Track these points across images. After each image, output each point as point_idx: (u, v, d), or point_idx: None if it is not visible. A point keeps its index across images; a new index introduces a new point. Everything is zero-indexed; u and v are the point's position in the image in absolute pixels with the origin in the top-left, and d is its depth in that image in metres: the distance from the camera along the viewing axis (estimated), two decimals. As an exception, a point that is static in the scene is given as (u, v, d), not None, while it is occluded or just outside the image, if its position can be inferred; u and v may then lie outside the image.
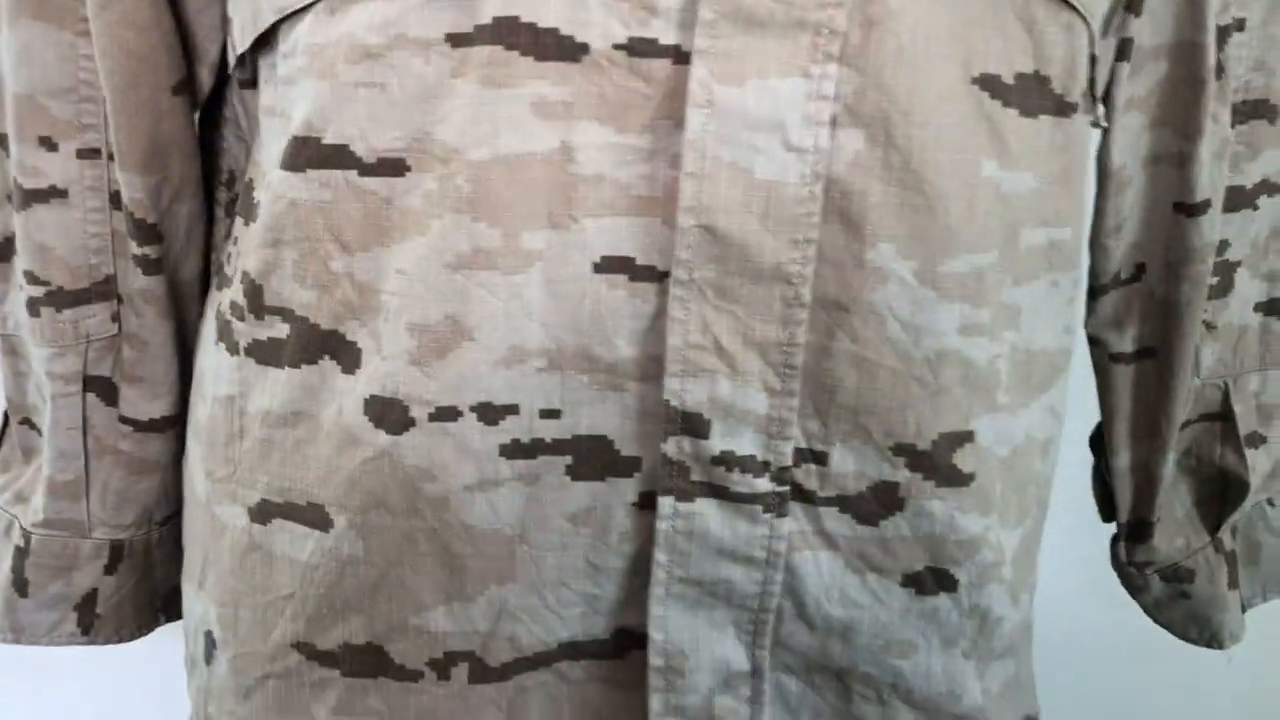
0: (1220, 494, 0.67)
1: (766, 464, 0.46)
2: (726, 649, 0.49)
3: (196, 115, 0.57)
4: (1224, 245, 0.62)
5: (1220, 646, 0.70)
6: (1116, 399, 0.64)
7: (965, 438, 0.48)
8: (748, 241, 0.43)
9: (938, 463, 0.47)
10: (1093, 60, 0.49)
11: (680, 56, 0.42)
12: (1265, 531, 0.70)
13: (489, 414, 0.46)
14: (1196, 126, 0.57)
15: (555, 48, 0.42)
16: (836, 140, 0.43)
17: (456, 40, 0.42)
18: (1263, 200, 0.62)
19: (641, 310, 0.45)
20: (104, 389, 0.58)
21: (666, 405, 0.45)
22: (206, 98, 0.56)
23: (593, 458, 0.47)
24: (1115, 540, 0.69)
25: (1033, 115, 0.46)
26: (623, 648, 0.50)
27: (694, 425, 0.46)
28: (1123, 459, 0.65)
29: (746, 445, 0.46)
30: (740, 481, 0.46)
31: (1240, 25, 0.59)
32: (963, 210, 0.45)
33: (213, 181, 0.58)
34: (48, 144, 0.55)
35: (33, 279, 0.56)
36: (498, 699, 0.50)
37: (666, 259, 0.44)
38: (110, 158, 0.55)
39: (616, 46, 0.42)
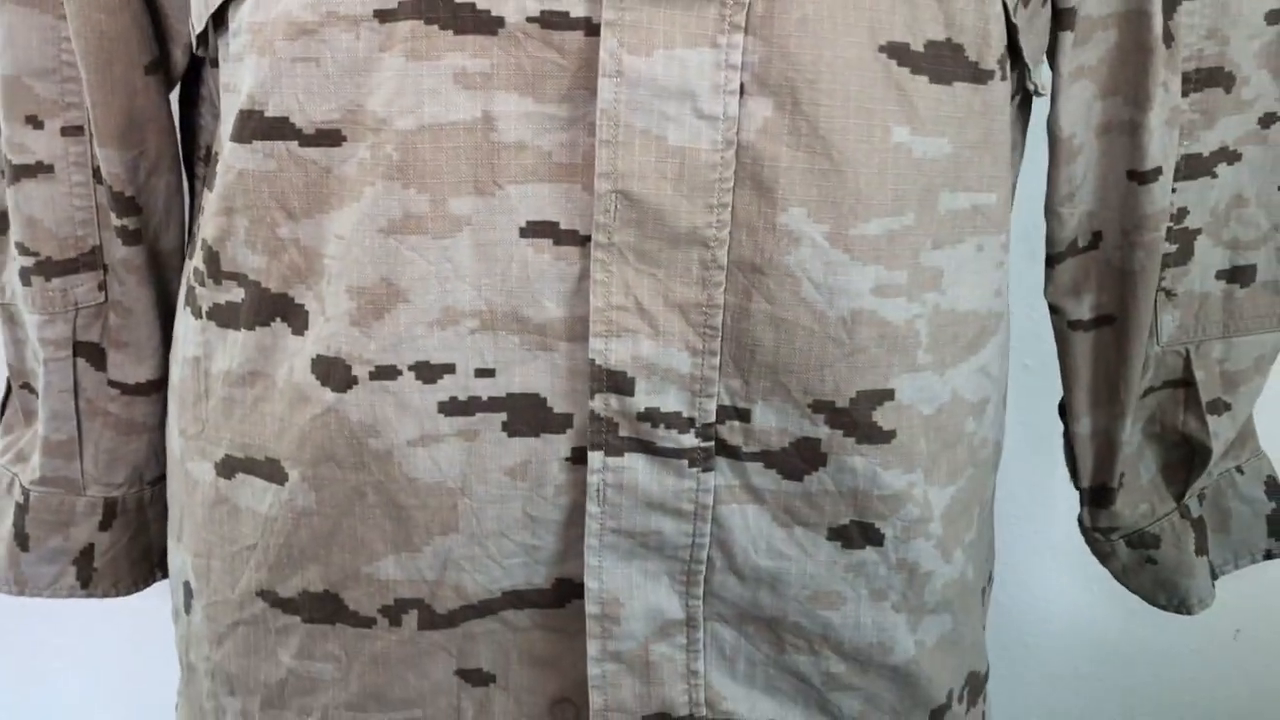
0: (1185, 461, 0.68)
1: (691, 420, 0.48)
2: (660, 598, 0.51)
3: (175, 94, 0.60)
4: (1183, 213, 0.63)
5: (1189, 612, 0.70)
6: (1076, 366, 0.65)
7: (884, 396, 0.49)
8: (663, 206, 0.45)
9: (857, 420, 0.49)
10: (1011, 28, 0.50)
11: (591, 28, 0.44)
12: (1235, 499, 0.70)
13: (426, 373, 0.48)
14: (1146, 95, 0.58)
15: (473, 21, 0.44)
16: (746, 108, 0.45)
17: (383, 16, 0.45)
18: (1221, 168, 0.63)
19: (567, 273, 0.47)
20: (93, 354, 0.62)
21: (592, 364, 0.47)
22: (185, 77, 0.59)
23: (527, 415, 0.49)
24: (1080, 506, 0.70)
25: (946, 82, 0.47)
26: (563, 597, 0.52)
27: (619, 383, 0.48)
28: (1083, 425, 0.66)
29: (671, 402, 0.48)
30: (666, 437, 0.48)
31: None
32: (872, 175, 0.46)
33: (193, 157, 0.61)
34: (34, 122, 0.58)
35: (23, 250, 0.60)
36: (447, 645, 0.53)
37: (589, 223, 0.46)
38: (92, 134, 0.58)
39: (530, 19, 0.44)
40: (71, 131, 0.59)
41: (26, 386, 0.65)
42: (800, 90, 0.45)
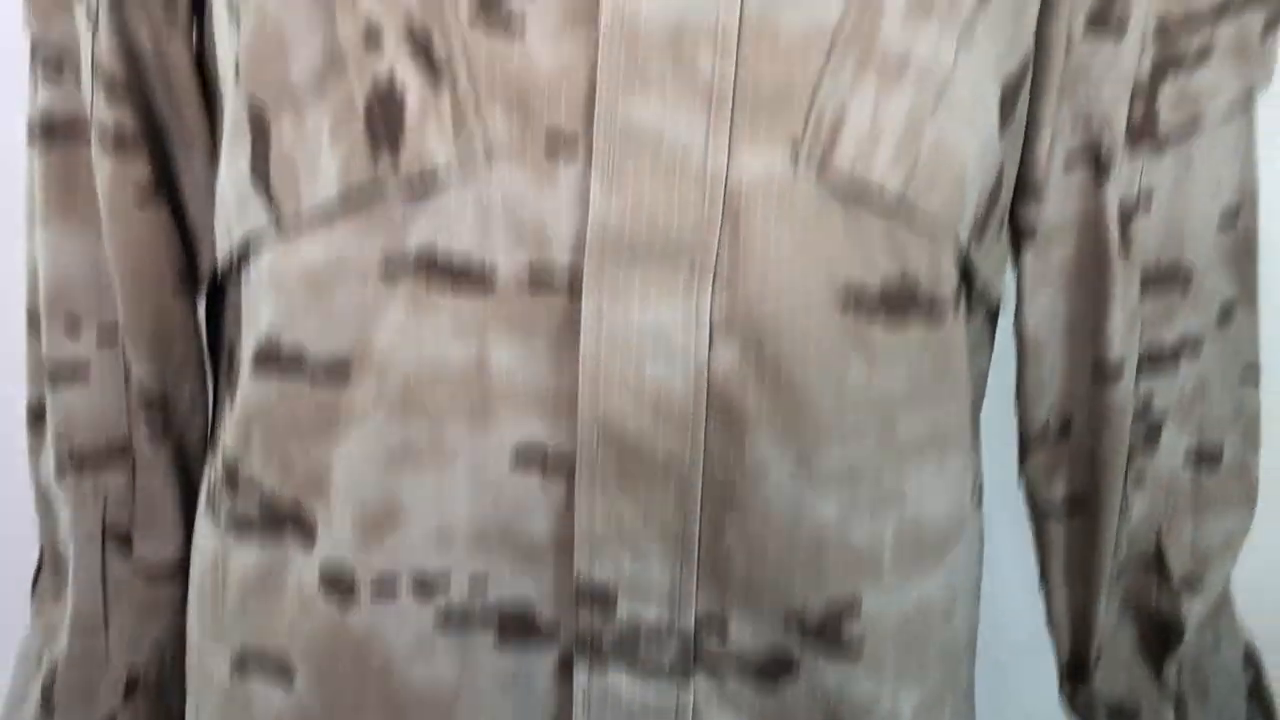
0: (1161, 635, 0.70)
1: (671, 633, 0.52)
2: None
3: (202, 300, 0.65)
4: (1149, 401, 0.66)
5: None
6: (1050, 547, 0.68)
7: (852, 610, 0.52)
8: (642, 438, 0.49)
9: (826, 633, 0.52)
10: (966, 264, 0.54)
11: (575, 280, 0.48)
12: (1213, 670, 0.72)
13: (424, 588, 0.52)
14: (1106, 298, 0.62)
15: (468, 279, 0.49)
16: (715, 351, 0.49)
17: (388, 270, 0.49)
18: (1184, 359, 0.66)
19: (554, 496, 0.51)
20: (120, 539, 0.66)
21: (577, 581, 0.51)
22: (211, 283, 0.64)
23: (517, 628, 0.52)
24: (1060, 680, 0.72)
25: (901, 321, 0.51)
26: None
27: (603, 598, 0.51)
28: (1059, 602, 0.69)
29: (652, 616, 0.52)
30: (647, 649, 0.52)
31: (1147, 200, 0.63)
32: (833, 410, 0.50)
33: (218, 356, 0.66)
34: (73, 328, 0.63)
35: (59, 442, 0.64)
36: None
37: (574, 452, 0.50)
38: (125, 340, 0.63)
39: (520, 274, 0.48)
40: (106, 337, 0.63)
41: (57, 564, 0.69)
42: (764, 336, 0.49)
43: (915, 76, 0.49)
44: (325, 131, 0.49)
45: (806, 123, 0.47)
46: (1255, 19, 0.63)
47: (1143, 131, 0.62)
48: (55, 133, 0.63)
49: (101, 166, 0.59)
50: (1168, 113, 0.63)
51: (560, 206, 0.47)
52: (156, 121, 0.60)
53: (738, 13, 0.46)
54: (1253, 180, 0.66)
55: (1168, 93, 0.63)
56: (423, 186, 0.48)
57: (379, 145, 0.48)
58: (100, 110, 0.58)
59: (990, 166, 0.54)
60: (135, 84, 0.58)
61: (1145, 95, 0.62)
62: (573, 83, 0.46)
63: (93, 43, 0.58)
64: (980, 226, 0.54)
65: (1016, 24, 0.53)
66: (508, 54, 0.46)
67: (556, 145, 0.47)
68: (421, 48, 0.47)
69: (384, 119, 0.47)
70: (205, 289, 0.64)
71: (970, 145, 0.51)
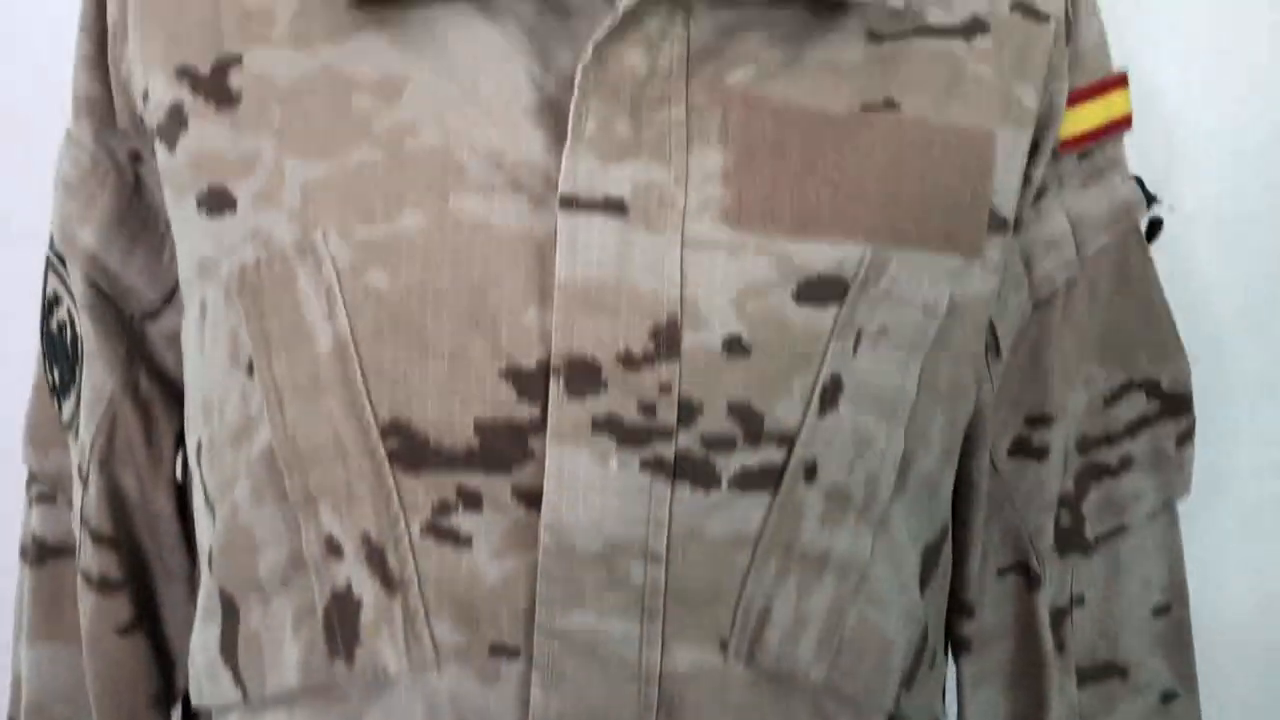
0: None
1: None
2: None
3: (177, 709, 0.68)
4: None
5: None
6: None
7: None
8: None
9: None
10: (899, 715, 0.57)
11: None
12: None
13: None
14: (1043, 695, 0.65)
15: None
16: None
17: None
18: None
19: None
20: None
21: None
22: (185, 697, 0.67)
23: None
24: None
25: None
26: None
27: None
28: None
29: None
30: None
31: (1079, 601, 0.67)
32: None
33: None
34: None
35: None
36: None
37: None
38: None
39: None
40: None
41: None
42: None
43: (835, 570, 0.52)
44: (288, 622, 0.52)
45: (734, 619, 0.51)
46: (1169, 432, 0.67)
47: (1071, 537, 0.66)
48: (46, 555, 0.67)
49: (85, 599, 0.63)
50: (1094, 520, 0.67)
51: (505, 703, 0.50)
52: (140, 562, 0.64)
53: (666, 530, 0.50)
54: (1181, 575, 0.69)
55: (1093, 500, 0.67)
56: (375, 686, 0.51)
57: (335, 650, 0.51)
58: (86, 557, 0.62)
59: (914, 629, 0.57)
60: (121, 535, 0.63)
61: (1071, 505, 0.66)
62: (514, 596, 0.50)
63: (82, 500, 0.62)
64: (909, 679, 0.57)
65: (933, 500, 0.57)
66: (456, 566, 0.50)
67: (500, 651, 0.50)
68: (377, 561, 0.51)
69: (340, 624, 0.51)
70: (180, 700, 0.67)
71: (891, 623, 0.55)
